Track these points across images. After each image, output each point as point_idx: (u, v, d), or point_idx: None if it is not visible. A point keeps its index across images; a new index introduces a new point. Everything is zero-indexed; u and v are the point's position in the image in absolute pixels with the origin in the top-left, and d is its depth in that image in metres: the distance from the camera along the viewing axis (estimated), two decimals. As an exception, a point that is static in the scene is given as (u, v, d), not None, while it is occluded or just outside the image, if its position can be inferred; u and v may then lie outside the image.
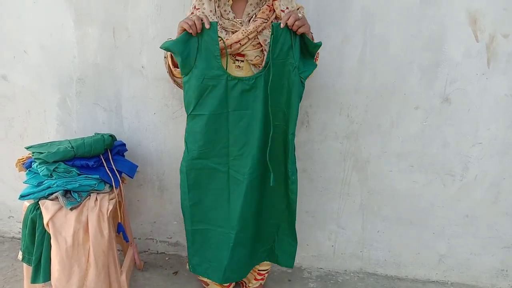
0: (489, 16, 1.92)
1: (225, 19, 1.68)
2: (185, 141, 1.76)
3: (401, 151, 2.16)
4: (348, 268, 2.40)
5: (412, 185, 2.20)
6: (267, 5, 1.67)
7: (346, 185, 2.24)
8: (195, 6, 1.69)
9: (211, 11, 1.67)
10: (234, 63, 1.68)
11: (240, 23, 1.66)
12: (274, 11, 1.66)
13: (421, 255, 2.32)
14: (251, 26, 1.62)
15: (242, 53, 1.66)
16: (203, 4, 1.68)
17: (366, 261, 2.38)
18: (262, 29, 1.64)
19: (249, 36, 1.62)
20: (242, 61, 1.68)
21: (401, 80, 2.05)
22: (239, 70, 1.69)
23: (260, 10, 1.67)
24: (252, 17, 1.68)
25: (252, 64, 1.68)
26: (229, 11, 1.69)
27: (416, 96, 2.07)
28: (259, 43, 1.65)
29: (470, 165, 2.14)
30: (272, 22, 1.65)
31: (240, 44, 1.63)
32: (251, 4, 1.70)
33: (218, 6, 1.67)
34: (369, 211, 2.28)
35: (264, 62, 1.66)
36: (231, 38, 1.62)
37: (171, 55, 1.69)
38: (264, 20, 1.64)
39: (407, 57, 2.02)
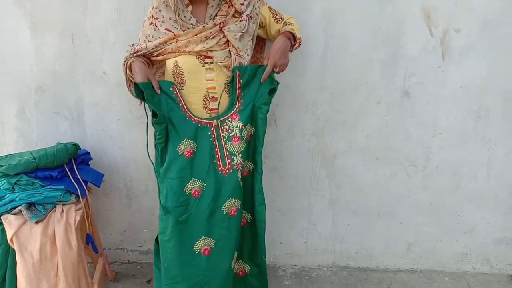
0: (441, 12, 2.01)
1: (188, 25, 1.66)
2: None
3: (366, 145, 2.22)
4: (321, 263, 2.44)
5: (378, 177, 2.27)
6: (225, 2, 1.68)
7: (315, 181, 2.28)
8: (152, 15, 1.67)
9: (170, 18, 1.65)
10: (204, 66, 1.67)
11: (203, 26, 1.65)
12: (233, 6, 1.68)
13: (390, 245, 2.39)
14: (210, 23, 1.64)
15: (209, 55, 1.65)
16: (160, 11, 1.65)
17: (338, 255, 2.42)
18: (224, 25, 1.65)
19: (211, 31, 1.62)
20: (211, 62, 1.67)
21: (362, 77, 2.11)
22: (210, 73, 1.68)
23: (219, 9, 1.68)
24: (213, 18, 1.68)
25: (223, 66, 1.66)
26: (190, 17, 1.68)
27: (377, 91, 2.13)
28: (226, 42, 1.65)
29: (431, 155, 2.22)
30: (233, 17, 1.66)
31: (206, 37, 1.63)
32: (212, 6, 1.70)
33: (179, 15, 1.65)
34: (338, 206, 2.33)
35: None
36: (192, 31, 1.62)
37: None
38: (223, 15, 1.66)
39: (367, 54, 2.08)
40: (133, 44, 1.78)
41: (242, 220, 1.81)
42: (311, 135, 2.21)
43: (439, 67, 2.09)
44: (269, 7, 1.81)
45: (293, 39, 1.74)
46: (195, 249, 1.71)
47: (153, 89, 1.64)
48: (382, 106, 2.16)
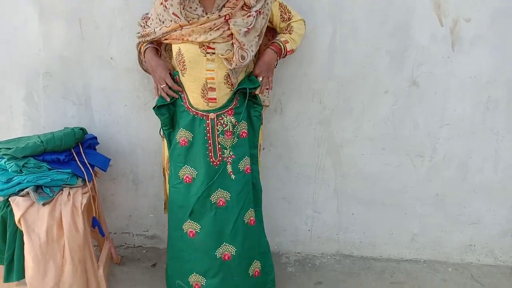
0: (452, 1, 1.98)
1: (193, 15, 1.65)
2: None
3: (373, 135, 2.21)
4: (325, 251, 2.45)
5: (384, 167, 2.26)
6: None
7: (320, 170, 2.28)
8: None
9: (178, 3, 1.63)
10: (205, 56, 1.67)
11: (208, 17, 1.63)
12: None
13: (394, 235, 2.39)
14: (215, 14, 1.62)
15: (212, 46, 1.64)
16: None
17: (342, 243, 2.43)
18: (230, 17, 1.63)
19: (215, 22, 1.61)
20: (214, 53, 1.66)
21: (370, 66, 2.09)
22: (211, 63, 1.68)
23: (228, 0, 1.66)
24: (221, 9, 1.66)
25: (224, 59, 1.66)
26: (196, 7, 1.66)
27: (385, 81, 2.12)
28: (230, 35, 1.64)
29: (438, 146, 2.21)
30: (241, 10, 1.65)
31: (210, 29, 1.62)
32: None
33: (184, 8, 1.64)
34: (343, 195, 2.33)
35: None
36: (196, 22, 1.62)
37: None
38: (230, 8, 1.64)
39: (375, 43, 2.06)
40: (146, 14, 1.83)
41: (250, 219, 1.86)
42: (317, 124, 2.20)
43: (448, 57, 2.07)
44: (279, 4, 1.79)
45: (279, 54, 1.78)
46: (183, 228, 1.83)
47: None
48: (390, 95, 2.14)
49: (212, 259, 1.80)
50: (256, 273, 1.91)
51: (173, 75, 1.78)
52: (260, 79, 1.77)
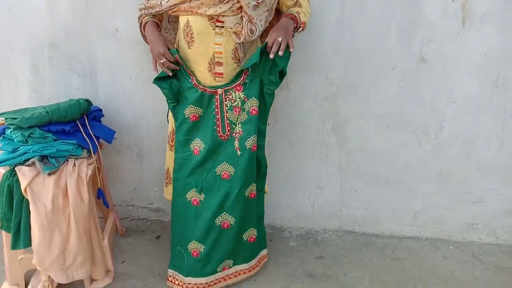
0: (464, -25, 1.93)
1: None
2: None
3: (379, 112, 2.19)
4: (327, 227, 2.47)
5: (389, 144, 2.25)
6: None
7: (325, 146, 2.28)
8: None
9: None
10: (214, 29, 1.65)
11: None
12: None
13: (397, 212, 2.40)
14: None
15: (221, 19, 1.62)
16: None
17: (344, 219, 2.44)
18: None
19: None
20: (222, 27, 1.64)
21: (379, 41, 2.06)
22: (219, 37, 1.66)
23: None
24: None
25: (233, 33, 1.64)
26: None
27: (393, 57, 2.09)
28: (239, 8, 1.61)
29: (444, 124, 2.19)
30: None
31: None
32: None
33: None
34: (347, 172, 2.33)
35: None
36: None
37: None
38: None
39: (385, 17, 2.02)
40: None
41: (251, 192, 1.89)
42: (323, 100, 2.18)
43: (458, 34, 2.03)
44: None
45: (295, 21, 1.71)
46: (187, 197, 1.87)
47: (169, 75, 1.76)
48: (397, 72, 2.11)
49: (212, 226, 1.85)
50: (252, 239, 1.97)
51: (172, 54, 1.73)
52: (280, 39, 1.62)
